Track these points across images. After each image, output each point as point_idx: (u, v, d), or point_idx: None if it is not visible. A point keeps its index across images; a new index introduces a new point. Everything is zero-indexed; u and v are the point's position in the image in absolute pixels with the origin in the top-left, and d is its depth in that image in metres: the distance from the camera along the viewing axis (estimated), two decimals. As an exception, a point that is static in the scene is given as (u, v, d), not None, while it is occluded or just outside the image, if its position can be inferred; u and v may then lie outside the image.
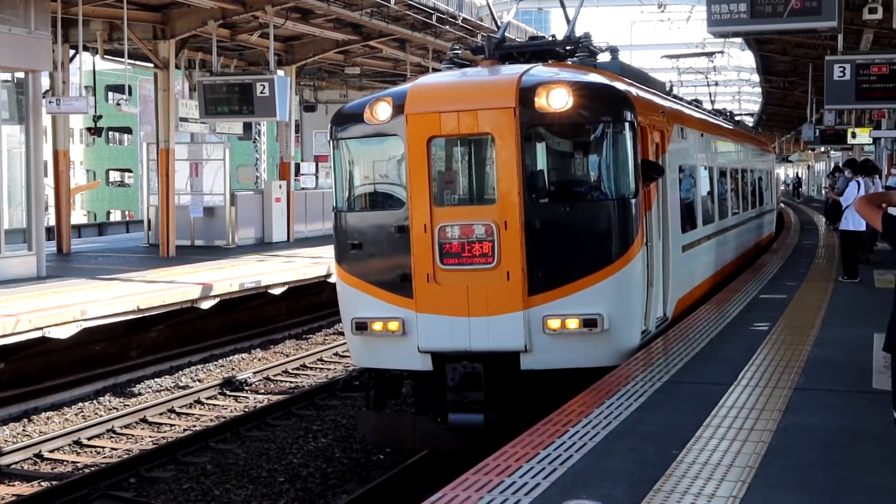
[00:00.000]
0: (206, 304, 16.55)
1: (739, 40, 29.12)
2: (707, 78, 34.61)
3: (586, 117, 9.54)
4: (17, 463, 11.65)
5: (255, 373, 16.28)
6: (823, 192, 48.43)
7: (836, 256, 18.17)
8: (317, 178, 32.61)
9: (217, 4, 20.85)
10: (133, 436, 12.96)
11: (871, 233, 17.01)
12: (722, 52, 33.61)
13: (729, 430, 6.61)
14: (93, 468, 11.30)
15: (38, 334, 13.17)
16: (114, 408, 14.30)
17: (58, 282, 16.74)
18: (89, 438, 12.63)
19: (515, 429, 7.19)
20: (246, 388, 15.54)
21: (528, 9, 44.53)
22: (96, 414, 13.95)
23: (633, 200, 9.46)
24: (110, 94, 60.47)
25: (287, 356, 18.13)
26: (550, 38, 12.23)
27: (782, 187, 65.80)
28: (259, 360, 17.87)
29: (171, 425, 13.48)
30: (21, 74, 18.17)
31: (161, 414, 13.93)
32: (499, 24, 12.49)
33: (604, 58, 11.71)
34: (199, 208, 24.46)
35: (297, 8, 22.16)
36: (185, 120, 23.66)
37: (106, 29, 21.69)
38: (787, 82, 34.04)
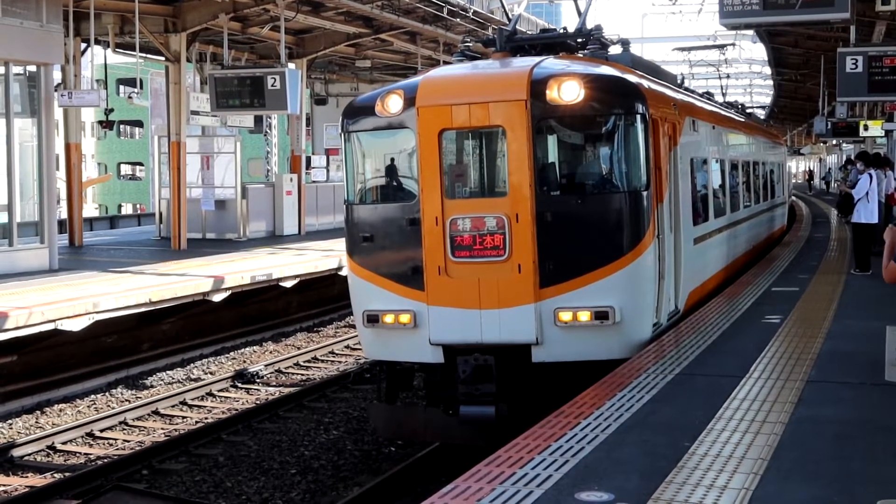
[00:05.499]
0: (217, 297, 16.57)
1: (751, 32, 28.99)
2: (718, 70, 34.49)
3: (598, 110, 9.51)
4: (30, 455, 11.70)
5: (266, 365, 16.33)
6: (835, 184, 48.26)
7: (848, 249, 18.10)
8: (328, 171, 32.66)
9: (228, -3, 20.90)
10: (145, 428, 13.02)
11: (883, 225, 16.94)
12: (733, 45, 33.47)
13: (741, 422, 6.60)
14: (105, 460, 11.36)
15: (50, 327, 13.21)
16: (126, 400, 14.37)
17: (70, 274, 16.79)
18: (102, 430, 12.68)
19: (527, 421, 7.18)
20: (257, 380, 15.59)
21: (539, 1, 44.43)
22: (109, 406, 14.01)
23: (644, 193, 9.45)
24: (121, 87, 60.52)
25: (298, 349, 18.17)
26: (562, 31, 12.20)
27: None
28: (270, 352, 17.91)
29: (183, 417, 13.53)
30: (33, 68, 18.24)
31: (173, 406, 13.98)
32: (510, 16, 12.45)
33: (615, 50, 11.68)
34: (211, 201, 24.51)
35: (308, 1, 22.17)
36: (196, 113, 23.71)
37: (117, 22, 21.73)
38: (799, 75, 33.92)
